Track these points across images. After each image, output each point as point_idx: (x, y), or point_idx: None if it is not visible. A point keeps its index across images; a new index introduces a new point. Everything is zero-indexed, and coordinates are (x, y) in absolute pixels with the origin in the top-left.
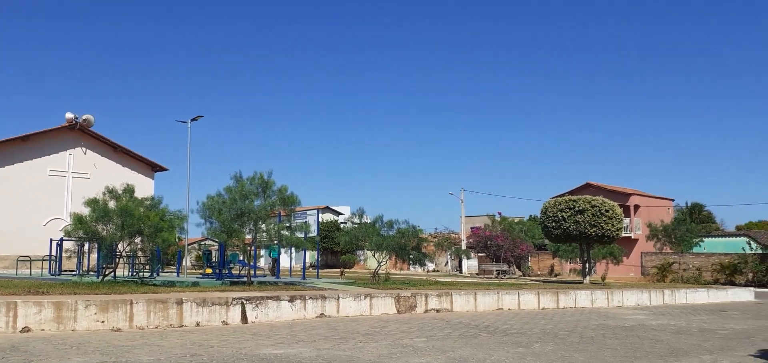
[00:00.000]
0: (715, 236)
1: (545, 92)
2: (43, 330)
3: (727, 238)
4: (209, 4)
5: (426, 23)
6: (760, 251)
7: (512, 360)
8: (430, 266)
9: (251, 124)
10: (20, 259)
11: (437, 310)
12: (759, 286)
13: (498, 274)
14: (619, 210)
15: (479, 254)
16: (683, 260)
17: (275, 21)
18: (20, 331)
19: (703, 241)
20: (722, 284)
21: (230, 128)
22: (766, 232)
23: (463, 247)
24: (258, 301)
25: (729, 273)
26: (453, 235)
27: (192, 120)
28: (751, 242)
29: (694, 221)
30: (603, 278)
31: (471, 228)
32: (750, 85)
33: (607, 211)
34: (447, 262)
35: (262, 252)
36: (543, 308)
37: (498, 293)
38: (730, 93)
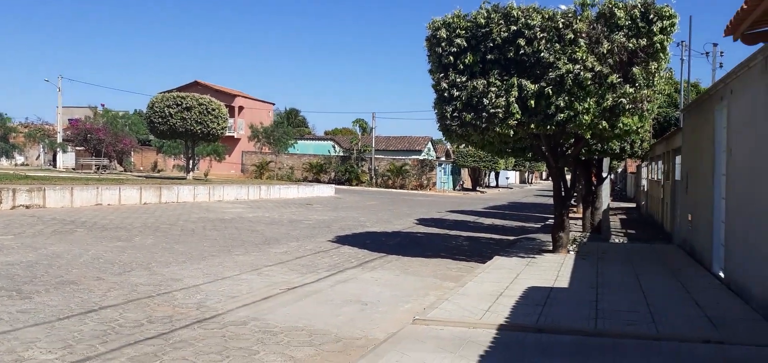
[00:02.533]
0: (307, 139)
1: None
2: None
3: (317, 141)
4: None
5: None
6: (341, 154)
7: (112, 254)
8: (20, 159)
9: None
10: None
11: (27, 206)
12: (339, 184)
13: (98, 169)
14: (224, 110)
15: (78, 148)
16: (279, 160)
17: None
18: None
19: (297, 143)
20: (310, 181)
21: None
22: (347, 137)
23: (59, 139)
24: None
25: (316, 172)
26: (47, 126)
27: None
28: (336, 146)
29: (291, 125)
30: (206, 174)
31: (69, 120)
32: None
33: (213, 110)
34: (39, 155)
35: None
36: (145, 203)
37: (97, 188)
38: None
